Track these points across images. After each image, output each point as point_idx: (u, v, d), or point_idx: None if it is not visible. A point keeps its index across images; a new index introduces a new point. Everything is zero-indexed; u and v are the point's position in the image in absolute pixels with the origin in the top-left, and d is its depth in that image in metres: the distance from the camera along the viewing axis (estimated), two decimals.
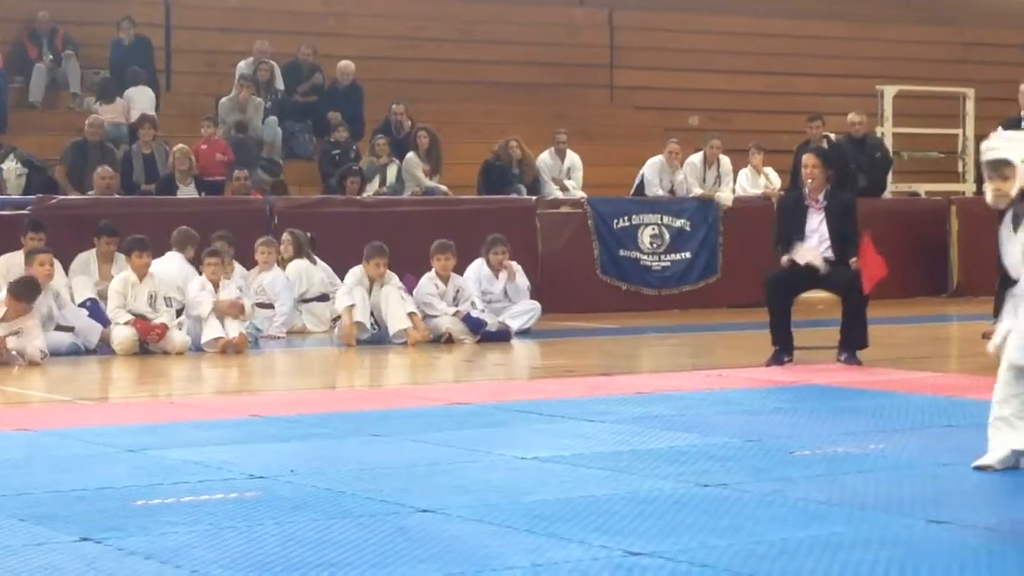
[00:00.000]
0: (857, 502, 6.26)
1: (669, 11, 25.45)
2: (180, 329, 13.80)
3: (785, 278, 11.91)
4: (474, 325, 14.50)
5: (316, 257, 16.05)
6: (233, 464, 7.36)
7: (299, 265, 15.71)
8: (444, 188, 19.29)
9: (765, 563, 5.23)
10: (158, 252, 14.51)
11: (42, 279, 13.41)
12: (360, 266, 14.49)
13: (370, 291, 14.44)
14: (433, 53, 23.10)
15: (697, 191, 19.25)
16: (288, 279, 15.46)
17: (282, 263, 15.71)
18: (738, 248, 18.29)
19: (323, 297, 15.83)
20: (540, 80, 23.69)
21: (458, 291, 14.72)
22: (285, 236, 15.75)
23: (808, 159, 12.28)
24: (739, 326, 15.81)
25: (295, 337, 15.37)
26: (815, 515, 6.04)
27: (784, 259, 11.91)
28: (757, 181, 19.80)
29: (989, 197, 6.78)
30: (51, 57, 20.71)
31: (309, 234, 16.25)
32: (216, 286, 14.03)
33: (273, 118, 20.29)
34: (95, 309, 14.07)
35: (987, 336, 14.35)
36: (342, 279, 14.91)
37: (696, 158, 19.64)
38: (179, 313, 14.02)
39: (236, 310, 13.88)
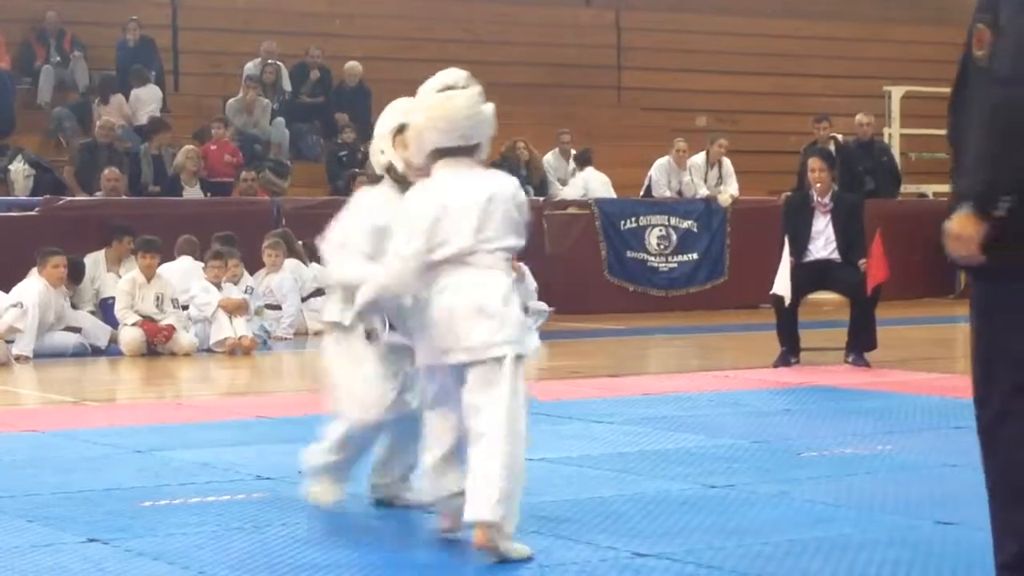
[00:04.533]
0: (865, 503, 6.26)
1: (676, 12, 25.45)
2: (188, 331, 13.82)
3: (793, 280, 11.90)
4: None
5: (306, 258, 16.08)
6: (240, 465, 7.36)
7: (289, 263, 15.71)
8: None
9: (772, 564, 5.23)
10: (166, 254, 14.57)
11: (54, 281, 13.46)
12: None
13: None
14: (439, 54, 23.04)
15: (703, 192, 19.25)
16: (295, 280, 15.48)
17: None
18: (745, 250, 18.28)
19: (318, 292, 15.86)
20: (547, 81, 23.69)
21: None
22: (273, 241, 15.62)
23: (814, 163, 12.26)
24: (746, 327, 15.80)
25: (301, 338, 15.38)
26: (822, 516, 6.03)
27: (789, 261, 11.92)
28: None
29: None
30: (58, 59, 20.73)
31: (301, 242, 16.25)
32: (218, 288, 14.05)
33: (280, 119, 20.31)
34: (113, 308, 14.11)
35: None
36: None
37: (699, 158, 19.64)
38: (184, 308, 14.05)
39: (241, 309, 13.90)
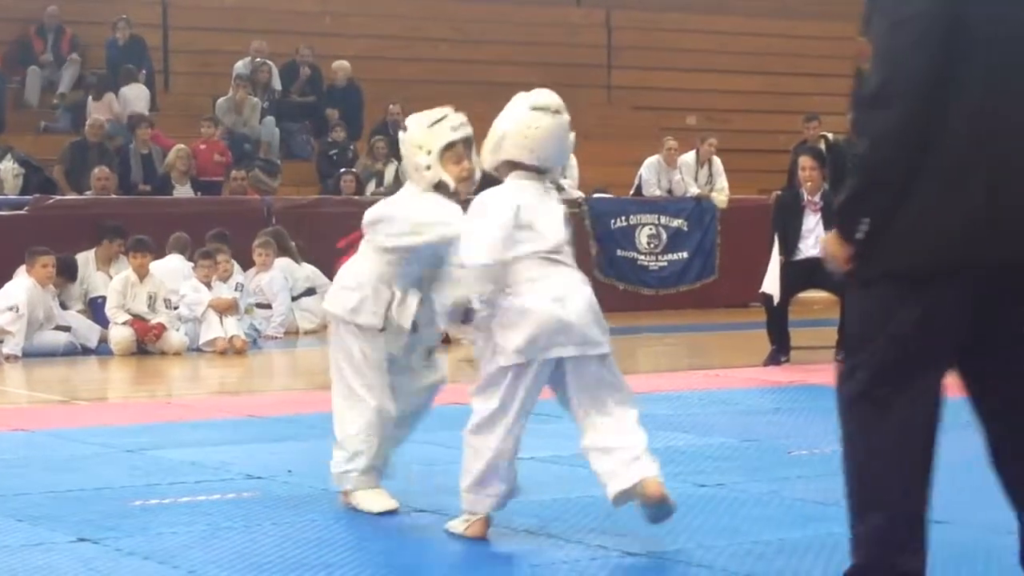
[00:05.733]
0: None
1: (667, 11, 25.45)
2: (177, 330, 13.81)
3: (783, 278, 11.92)
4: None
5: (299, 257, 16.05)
6: (231, 464, 7.36)
7: (281, 263, 15.70)
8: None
9: (762, 563, 5.23)
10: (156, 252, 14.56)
11: (43, 281, 13.45)
12: None
13: None
14: (430, 53, 23.10)
15: (694, 190, 19.26)
16: (285, 279, 15.46)
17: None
18: (735, 248, 18.29)
19: (310, 291, 15.84)
20: (537, 80, 23.31)
21: None
22: (264, 240, 15.62)
23: (805, 161, 12.32)
24: (736, 326, 15.80)
25: (292, 337, 15.37)
26: (812, 515, 6.04)
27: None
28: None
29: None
30: (52, 58, 20.68)
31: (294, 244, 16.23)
32: (208, 287, 14.04)
33: (270, 118, 20.30)
34: (103, 307, 14.10)
35: None
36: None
37: (689, 157, 19.66)
38: (175, 308, 14.04)
39: (231, 308, 13.89)
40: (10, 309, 13.13)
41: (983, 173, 4.07)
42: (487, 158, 5.82)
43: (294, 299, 15.73)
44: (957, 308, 4.18)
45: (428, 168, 6.12)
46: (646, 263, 18.69)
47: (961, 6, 4.06)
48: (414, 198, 6.20)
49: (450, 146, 6.13)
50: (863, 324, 4.26)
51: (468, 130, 6.24)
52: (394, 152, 19.67)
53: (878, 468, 4.16)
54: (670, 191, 19.38)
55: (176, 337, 13.67)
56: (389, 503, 6.15)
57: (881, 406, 4.21)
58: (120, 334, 13.51)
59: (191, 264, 14.59)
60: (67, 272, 14.38)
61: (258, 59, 20.84)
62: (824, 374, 11.35)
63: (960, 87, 4.05)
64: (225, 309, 13.86)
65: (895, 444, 4.19)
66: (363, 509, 6.14)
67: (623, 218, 18.59)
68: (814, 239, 12.01)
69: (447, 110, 6.25)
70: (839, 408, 4.29)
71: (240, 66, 20.77)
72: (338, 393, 6.29)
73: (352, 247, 6.47)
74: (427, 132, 6.15)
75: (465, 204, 6.07)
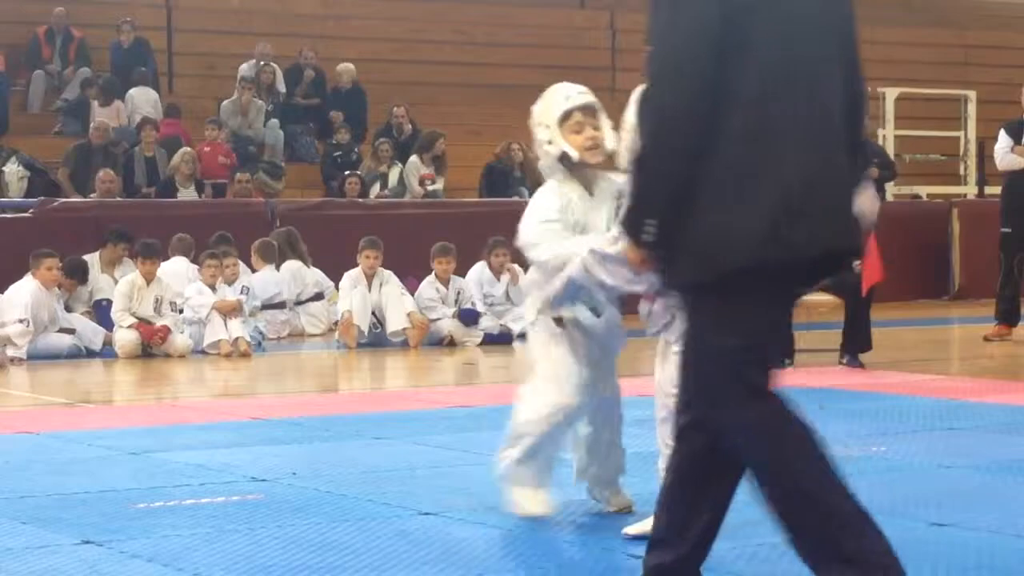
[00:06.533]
0: None
1: None
2: (182, 332, 13.81)
3: None
4: (468, 316, 14.51)
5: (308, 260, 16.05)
6: (235, 467, 7.36)
7: (291, 266, 15.70)
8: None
9: (767, 566, 5.23)
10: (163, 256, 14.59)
11: (48, 283, 13.46)
12: (356, 269, 14.48)
13: (370, 290, 14.42)
14: (434, 56, 23.10)
15: None
16: (277, 284, 15.39)
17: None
18: None
19: (318, 296, 15.83)
20: (542, 82, 23.27)
21: (459, 293, 14.72)
22: (257, 245, 15.61)
23: None
24: None
25: (296, 340, 15.37)
26: None
27: None
28: None
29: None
30: (59, 65, 20.67)
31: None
32: (213, 289, 14.05)
33: (275, 121, 20.31)
34: (107, 310, 14.12)
35: (989, 339, 14.37)
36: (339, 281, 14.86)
37: None
38: (181, 311, 14.05)
39: (236, 311, 13.89)
40: (20, 321, 13.12)
41: (772, 171, 4.01)
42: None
43: (302, 303, 15.72)
44: (784, 305, 4.23)
45: (550, 143, 5.95)
46: None
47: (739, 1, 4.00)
48: (539, 200, 6.07)
49: (566, 115, 5.93)
50: (740, 336, 4.27)
51: (586, 98, 6.05)
52: (398, 154, 19.72)
53: (809, 478, 4.16)
54: None
55: (181, 339, 13.68)
56: (539, 508, 5.88)
57: (781, 414, 4.20)
58: (125, 337, 13.52)
59: (195, 266, 14.60)
60: (78, 275, 14.42)
61: (262, 62, 20.86)
62: (828, 377, 11.38)
63: (738, 83, 3.99)
64: (229, 311, 13.87)
65: (809, 448, 4.20)
66: (513, 504, 5.92)
67: None
68: None
69: (563, 84, 6.09)
70: (740, 435, 4.24)
71: (244, 69, 20.79)
72: (527, 387, 6.04)
73: None
74: (543, 107, 6.01)
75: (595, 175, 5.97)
